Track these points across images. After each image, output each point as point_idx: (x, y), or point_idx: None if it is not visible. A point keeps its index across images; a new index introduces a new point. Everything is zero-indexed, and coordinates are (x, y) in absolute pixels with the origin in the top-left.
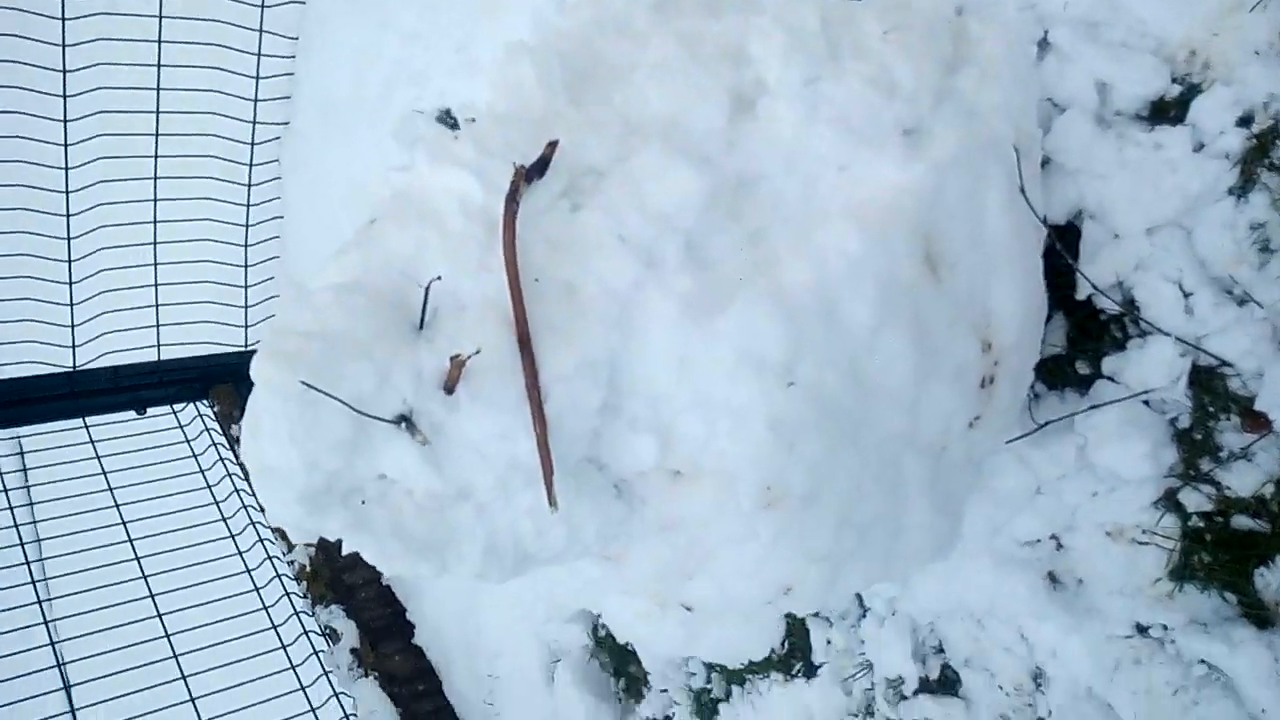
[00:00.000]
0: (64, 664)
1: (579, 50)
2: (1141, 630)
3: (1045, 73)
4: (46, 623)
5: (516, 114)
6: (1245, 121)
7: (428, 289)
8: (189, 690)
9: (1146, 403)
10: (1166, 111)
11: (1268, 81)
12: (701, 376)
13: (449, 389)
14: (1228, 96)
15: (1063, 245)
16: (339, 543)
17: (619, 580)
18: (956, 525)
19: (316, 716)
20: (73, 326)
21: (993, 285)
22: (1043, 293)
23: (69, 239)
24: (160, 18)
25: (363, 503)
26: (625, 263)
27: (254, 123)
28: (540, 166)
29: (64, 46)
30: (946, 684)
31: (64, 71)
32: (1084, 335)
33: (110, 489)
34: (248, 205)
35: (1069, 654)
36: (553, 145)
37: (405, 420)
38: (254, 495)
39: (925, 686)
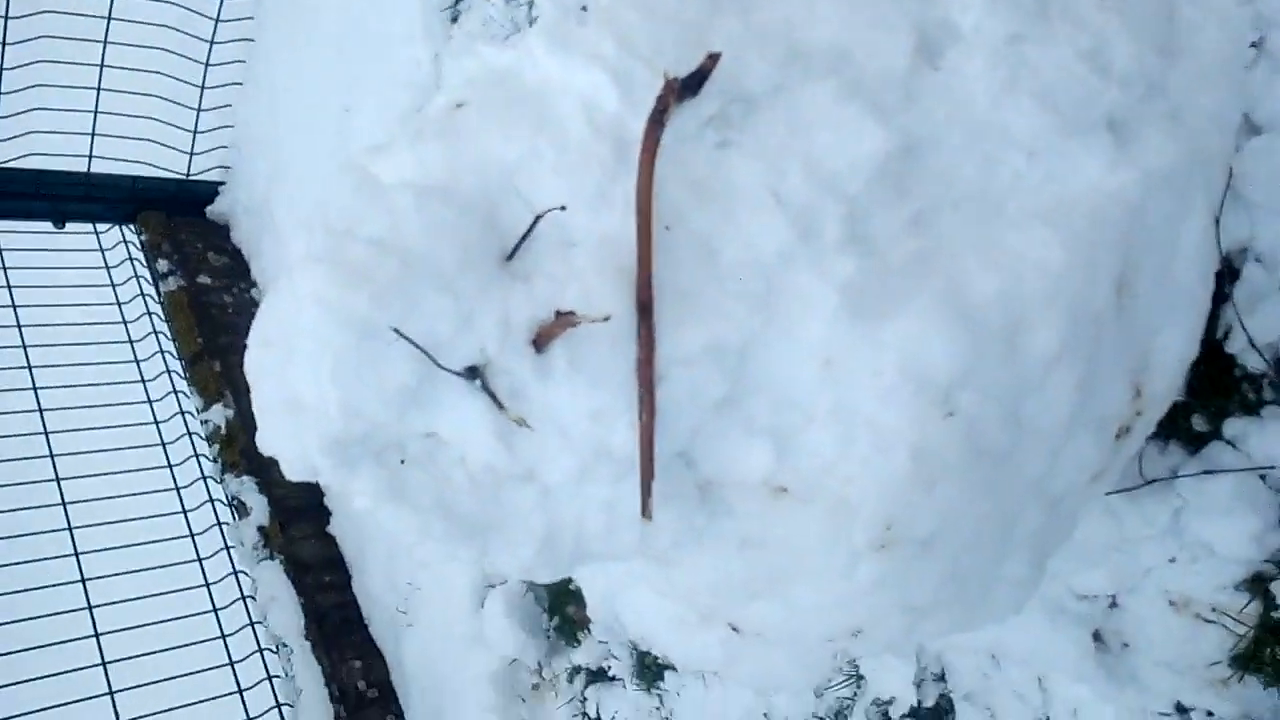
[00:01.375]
0: None
1: None
2: (1182, 710)
3: (1252, 83)
4: None
5: (658, 9)
6: None
7: (538, 219)
8: (74, 543)
9: (1263, 478)
10: None
11: None
12: (849, 386)
13: (540, 345)
14: None
15: (1224, 285)
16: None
17: (662, 581)
18: (1040, 579)
19: (211, 592)
20: None
21: (1165, 326)
22: (1200, 339)
23: (6, 17)
24: None
25: (402, 462)
26: (779, 226)
27: None
28: (695, 82)
29: None
30: (938, 714)
31: None
32: (1210, 387)
33: (13, 305)
34: (216, 20)
35: (1093, 718)
36: (714, 58)
37: (478, 375)
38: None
39: (914, 712)
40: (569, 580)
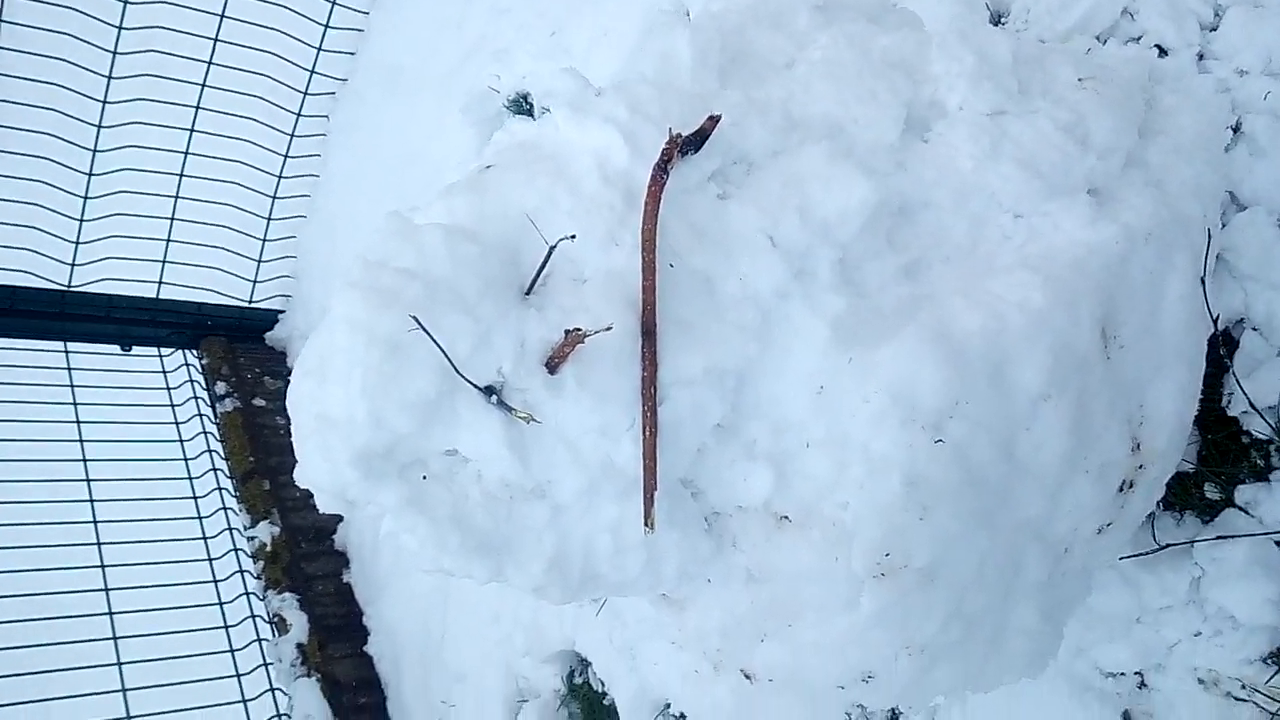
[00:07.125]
0: None
1: (733, 34)
2: None
3: (1232, 163)
4: None
5: (668, 83)
6: None
7: (553, 248)
8: (118, 653)
9: (1278, 543)
10: None
11: None
12: (841, 412)
13: (552, 367)
14: None
15: (1223, 353)
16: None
17: (674, 628)
18: (1057, 640)
19: (248, 709)
20: (77, 243)
21: (1156, 379)
22: (1198, 399)
23: (95, 151)
24: None
25: (424, 478)
26: (773, 267)
27: (312, 72)
28: (698, 140)
29: None
30: None
31: None
32: (1220, 456)
33: (78, 421)
34: (285, 156)
35: None
36: (714, 119)
37: (494, 392)
38: (292, 446)
39: None
40: (603, 695)
